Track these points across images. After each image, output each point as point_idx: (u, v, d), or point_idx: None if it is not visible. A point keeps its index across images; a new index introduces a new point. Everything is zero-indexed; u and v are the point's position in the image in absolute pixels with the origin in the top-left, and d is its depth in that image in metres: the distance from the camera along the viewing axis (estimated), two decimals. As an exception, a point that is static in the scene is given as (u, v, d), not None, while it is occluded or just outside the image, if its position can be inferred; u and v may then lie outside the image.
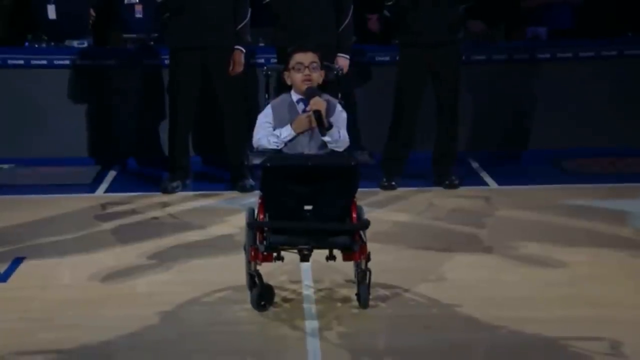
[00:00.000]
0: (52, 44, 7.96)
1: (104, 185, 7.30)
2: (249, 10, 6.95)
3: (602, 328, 4.34)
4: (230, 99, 6.99)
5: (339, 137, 4.68)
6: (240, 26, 6.92)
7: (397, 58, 7.12)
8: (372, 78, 7.72)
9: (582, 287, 4.93)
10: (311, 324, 4.45)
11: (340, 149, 4.71)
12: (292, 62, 4.75)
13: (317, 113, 4.61)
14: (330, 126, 4.63)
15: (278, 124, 4.74)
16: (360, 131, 6.91)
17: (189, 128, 7.16)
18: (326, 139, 4.66)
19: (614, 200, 6.64)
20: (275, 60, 7.08)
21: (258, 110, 5.00)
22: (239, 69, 6.94)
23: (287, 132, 4.70)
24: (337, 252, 4.68)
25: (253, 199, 6.07)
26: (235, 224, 6.00)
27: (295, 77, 4.74)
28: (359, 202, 4.71)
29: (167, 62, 7.25)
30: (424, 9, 6.80)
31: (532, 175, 7.53)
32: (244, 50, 6.95)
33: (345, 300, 4.73)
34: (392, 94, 7.08)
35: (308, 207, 4.65)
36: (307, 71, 4.71)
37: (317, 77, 4.74)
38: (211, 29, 6.82)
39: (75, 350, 4.19)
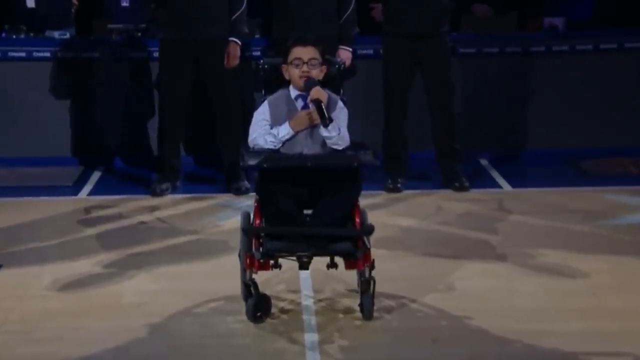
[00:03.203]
0: (32, 34, 7.95)
1: (87, 187, 7.30)
2: None
3: (625, 342, 4.35)
4: (223, 94, 6.96)
5: (338, 133, 4.67)
6: (235, 16, 6.89)
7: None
8: (375, 71, 7.71)
9: (603, 298, 4.93)
10: (311, 337, 4.45)
11: (340, 148, 4.70)
12: (290, 57, 4.75)
13: (317, 102, 4.60)
14: (331, 119, 4.62)
15: (275, 121, 4.73)
16: (364, 129, 6.90)
17: (180, 126, 7.14)
18: (325, 134, 4.65)
19: (637, 204, 6.64)
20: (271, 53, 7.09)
21: (254, 106, 5.00)
22: (234, 62, 6.92)
23: (285, 130, 4.70)
24: (338, 260, 4.69)
25: (248, 202, 6.08)
26: (229, 229, 5.99)
27: (293, 73, 4.75)
28: (362, 206, 4.72)
29: (156, 54, 7.25)
30: None
31: (548, 176, 7.52)
32: (240, 43, 6.93)
33: (348, 311, 4.74)
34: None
35: (308, 211, 4.66)
36: (305, 67, 4.72)
37: (317, 73, 4.74)
38: (203, 19, 6.79)
39: (57, 366, 4.20)
